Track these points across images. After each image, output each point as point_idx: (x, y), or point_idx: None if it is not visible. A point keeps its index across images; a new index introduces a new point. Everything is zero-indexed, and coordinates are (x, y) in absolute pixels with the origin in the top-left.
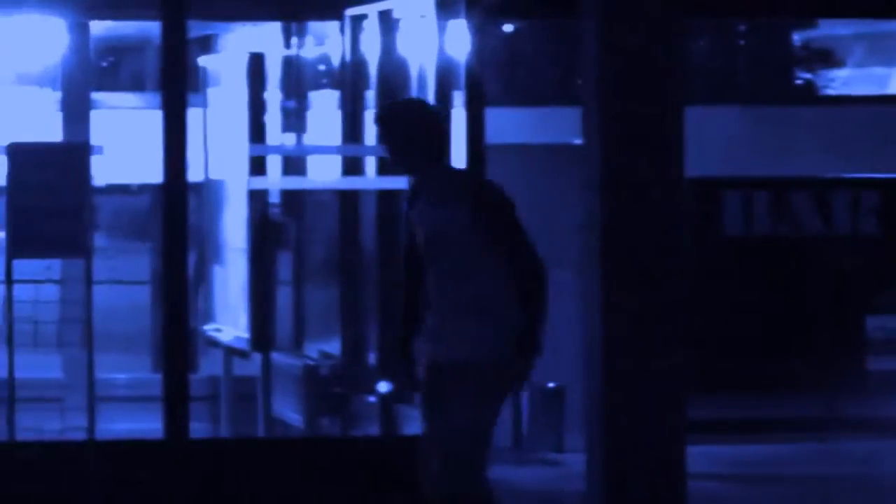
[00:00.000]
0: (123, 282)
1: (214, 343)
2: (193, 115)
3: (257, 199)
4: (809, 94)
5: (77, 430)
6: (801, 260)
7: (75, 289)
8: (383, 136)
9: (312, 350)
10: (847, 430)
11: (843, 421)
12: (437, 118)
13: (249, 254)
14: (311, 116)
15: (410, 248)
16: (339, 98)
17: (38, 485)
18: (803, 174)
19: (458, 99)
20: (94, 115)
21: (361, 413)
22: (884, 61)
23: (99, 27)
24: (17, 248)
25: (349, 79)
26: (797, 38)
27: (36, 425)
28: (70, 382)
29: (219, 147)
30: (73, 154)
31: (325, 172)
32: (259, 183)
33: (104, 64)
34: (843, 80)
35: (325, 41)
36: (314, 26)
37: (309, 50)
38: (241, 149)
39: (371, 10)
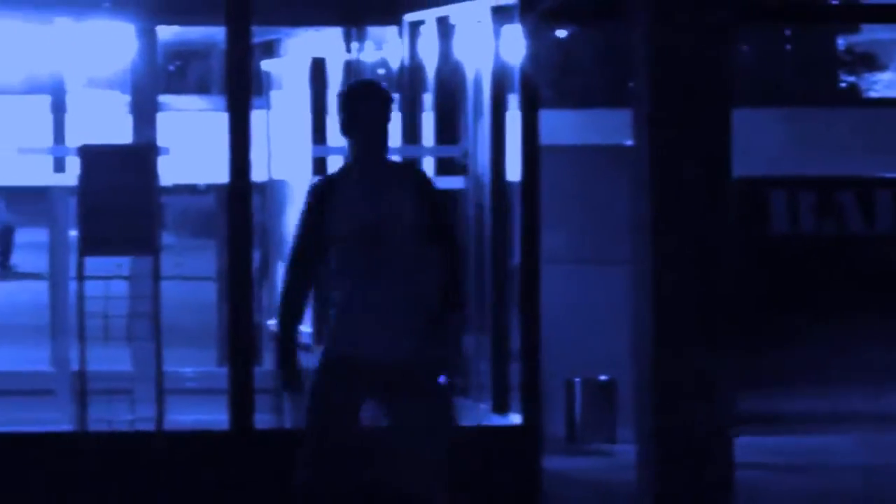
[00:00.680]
0: (190, 278)
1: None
2: (257, 118)
3: None
4: (853, 97)
5: (146, 421)
6: (844, 257)
7: (144, 285)
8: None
9: None
10: (892, 424)
11: (887, 415)
12: (380, 103)
13: None
14: None
15: (307, 242)
16: (397, 101)
17: (109, 473)
18: (847, 174)
19: (513, 101)
20: (162, 118)
21: None
22: None
23: (166, 33)
24: (89, 246)
25: (407, 82)
26: (841, 42)
27: (107, 416)
28: (139, 375)
29: (282, 148)
30: (141, 155)
31: None
32: None
33: (171, 68)
34: (885, 84)
35: (384, 46)
36: (374, 31)
37: (368, 54)
38: (304, 150)
39: (428, 16)
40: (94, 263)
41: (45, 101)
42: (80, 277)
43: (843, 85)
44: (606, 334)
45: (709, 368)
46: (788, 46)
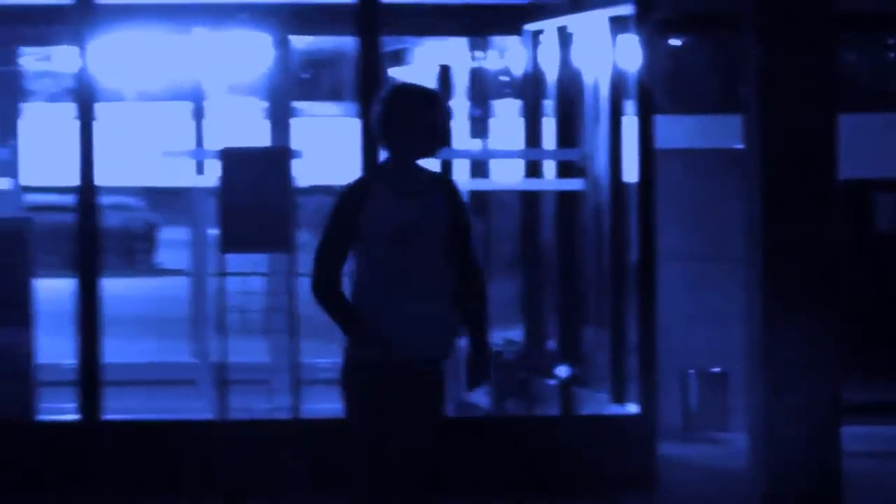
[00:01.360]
0: None
1: None
2: None
3: None
4: None
5: (282, 410)
6: None
7: (280, 281)
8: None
9: (498, 338)
10: None
11: None
12: (432, 108)
13: None
14: (495, 123)
15: (340, 240)
16: (520, 106)
17: (247, 459)
18: None
19: (630, 107)
20: (296, 123)
21: (543, 395)
22: None
23: (300, 42)
24: (228, 243)
25: (529, 89)
26: None
27: (245, 405)
28: (276, 366)
29: None
30: (277, 158)
31: (507, 174)
32: None
33: (305, 76)
34: None
35: (507, 54)
36: (497, 40)
37: (492, 62)
38: None
39: (549, 26)
40: (233, 260)
41: (187, 107)
42: (220, 273)
43: None
44: (719, 328)
45: (819, 359)
46: (893, 55)
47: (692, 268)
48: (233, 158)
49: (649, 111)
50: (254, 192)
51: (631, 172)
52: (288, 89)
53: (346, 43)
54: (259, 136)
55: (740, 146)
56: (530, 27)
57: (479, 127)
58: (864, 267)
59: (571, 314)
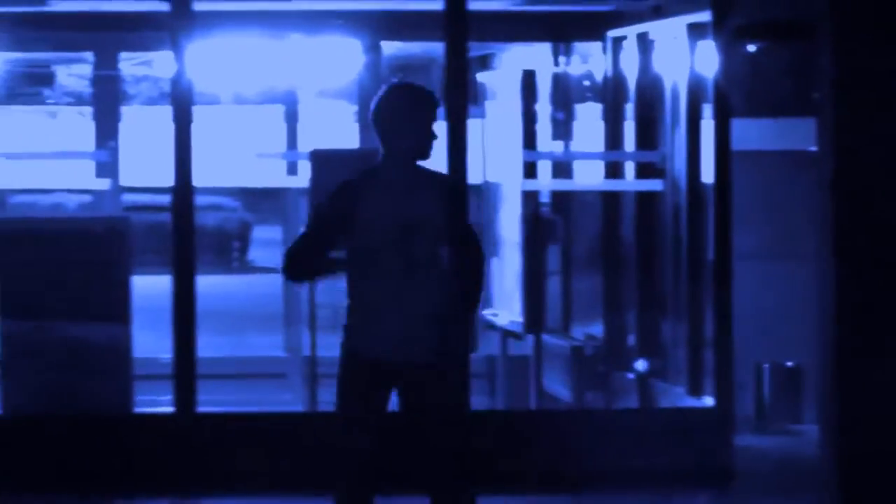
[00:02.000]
0: None
1: (492, 326)
2: (473, 125)
3: (530, 199)
4: None
5: None
6: None
7: None
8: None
9: (578, 332)
10: None
11: None
12: (429, 108)
13: (523, 247)
14: (577, 126)
15: (327, 227)
16: (601, 110)
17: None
18: None
19: (707, 111)
20: None
21: (622, 388)
22: None
23: (390, 48)
24: None
25: (610, 93)
26: None
27: (334, 399)
28: None
29: (496, 153)
30: (367, 159)
31: (589, 175)
32: (531, 185)
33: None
34: None
35: (589, 59)
36: (579, 46)
37: (575, 67)
38: (516, 155)
39: (630, 33)
40: None
41: (280, 110)
42: None
43: None
44: (792, 323)
45: (888, 353)
46: None
47: (767, 265)
48: (324, 160)
49: (726, 114)
50: None
51: (708, 173)
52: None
53: (435, 48)
54: (350, 138)
55: (813, 148)
56: (612, 34)
57: (562, 130)
58: None
59: (650, 310)
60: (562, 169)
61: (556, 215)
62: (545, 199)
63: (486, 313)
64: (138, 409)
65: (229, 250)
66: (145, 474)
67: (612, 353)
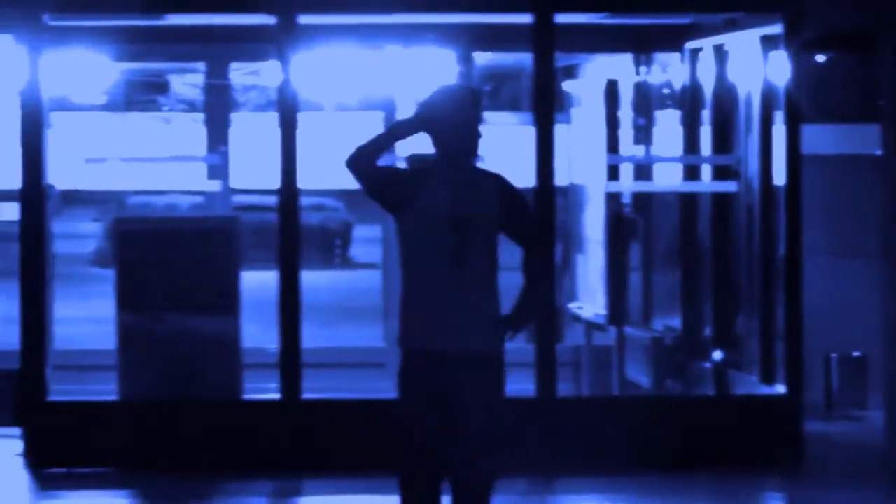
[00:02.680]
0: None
1: (577, 318)
2: (560, 131)
3: (613, 200)
4: None
5: None
6: None
7: None
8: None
9: (658, 324)
10: None
11: None
12: (477, 108)
13: (606, 245)
14: (657, 131)
15: (389, 173)
16: (679, 116)
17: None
18: None
19: (779, 117)
20: None
21: (699, 377)
22: None
23: (482, 58)
24: None
25: (688, 100)
26: None
27: None
28: None
29: (581, 157)
30: None
31: (668, 177)
32: (614, 186)
33: (487, 88)
34: None
35: (668, 69)
36: (659, 57)
37: (655, 76)
38: (600, 158)
39: (706, 44)
40: None
41: (379, 116)
42: None
43: None
44: (859, 316)
45: None
46: None
47: (834, 261)
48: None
49: (797, 120)
50: None
51: (780, 176)
52: None
53: (524, 59)
54: None
55: (879, 152)
56: (690, 45)
57: (643, 135)
58: None
59: (725, 303)
60: (643, 171)
61: (638, 215)
62: (627, 199)
63: (572, 306)
64: (247, 396)
65: (332, 247)
66: (253, 457)
67: (689, 343)
